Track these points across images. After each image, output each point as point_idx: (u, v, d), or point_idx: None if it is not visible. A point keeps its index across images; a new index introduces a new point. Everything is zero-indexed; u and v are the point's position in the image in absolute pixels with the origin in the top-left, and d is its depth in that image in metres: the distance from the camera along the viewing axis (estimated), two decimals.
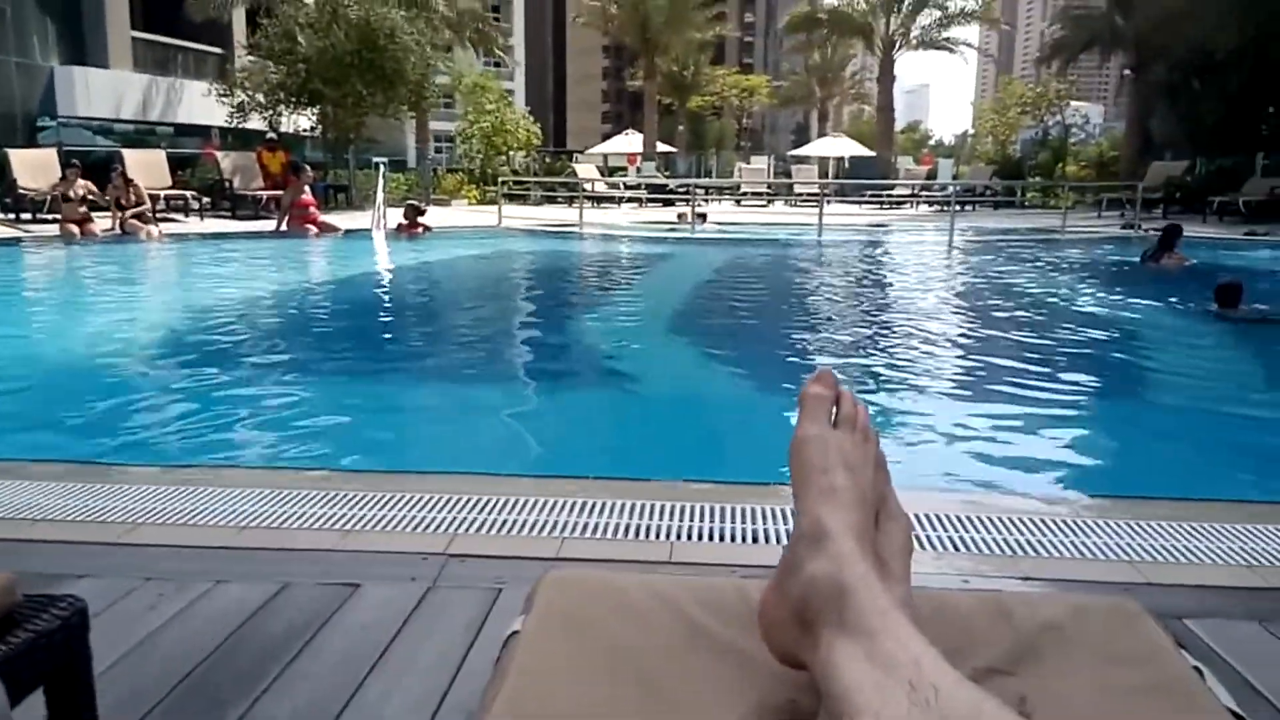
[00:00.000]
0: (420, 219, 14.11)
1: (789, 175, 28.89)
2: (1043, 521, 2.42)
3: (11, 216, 14.03)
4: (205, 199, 16.87)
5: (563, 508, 2.46)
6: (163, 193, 15.78)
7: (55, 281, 9.88)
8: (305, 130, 20.45)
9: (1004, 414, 4.47)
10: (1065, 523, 2.41)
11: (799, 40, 42.59)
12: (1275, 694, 1.62)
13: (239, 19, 24.10)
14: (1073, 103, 38.54)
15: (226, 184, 17.29)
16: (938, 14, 33.61)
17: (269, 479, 2.94)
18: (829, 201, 18.82)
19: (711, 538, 2.32)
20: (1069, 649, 0.71)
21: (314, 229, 14.17)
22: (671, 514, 2.43)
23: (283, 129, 19.35)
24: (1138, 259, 10.36)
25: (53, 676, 1.10)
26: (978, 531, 2.35)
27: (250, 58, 20.35)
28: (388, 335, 6.96)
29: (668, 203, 22.50)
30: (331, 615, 1.88)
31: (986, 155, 40.78)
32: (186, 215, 16.22)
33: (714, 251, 13.83)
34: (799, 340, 6.72)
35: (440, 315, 8.35)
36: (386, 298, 9.20)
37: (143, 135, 22.90)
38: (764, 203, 25.30)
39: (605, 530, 2.34)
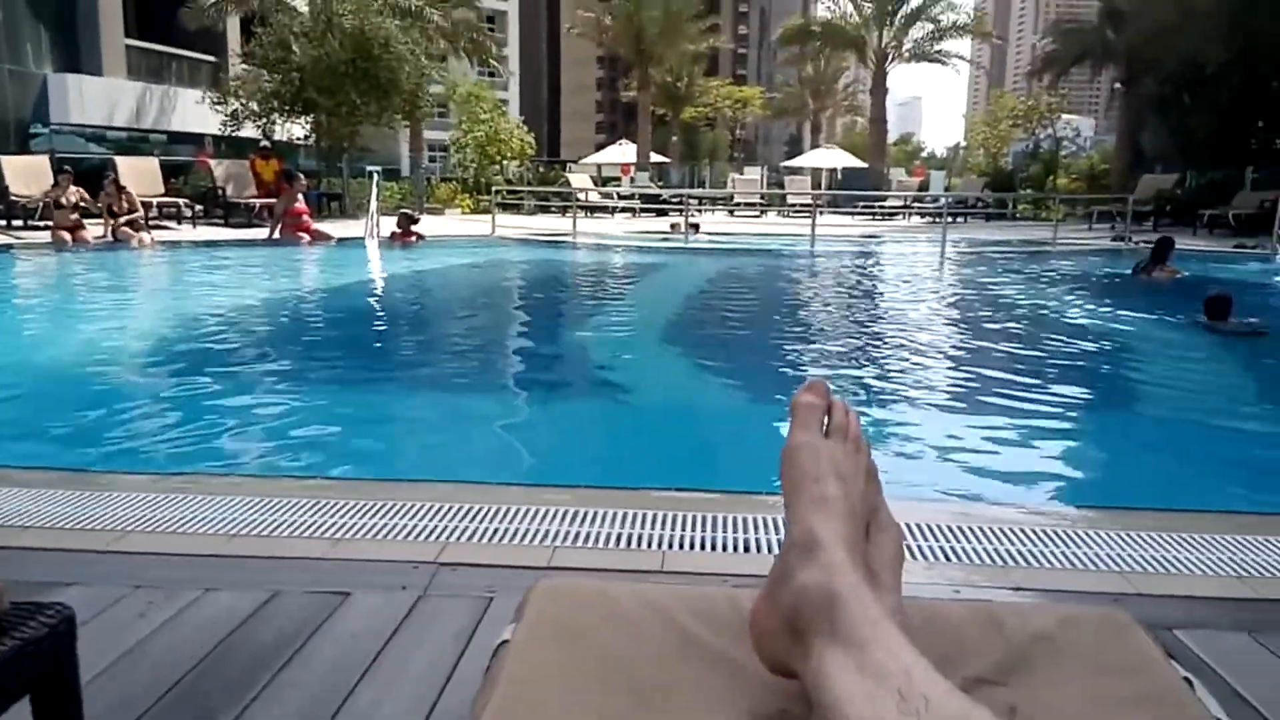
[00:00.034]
0: (413, 228, 14.11)
1: (782, 186, 28.95)
2: (1034, 532, 2.42)
3: (3, 223, 13.98)
4: (198, 207, 16.83)
5: (554, 517, 2.46)
6: (155, 200, 15.74)
7: (46, 289, 9.85)
8: (299, 139, 20.46)
9: (995, 425, 4.48)
10: (1056, 533, 2.41)
11: (792, 52, 42.82)
12: (1265, 704, 1.62)
13: (233, 27, 24.13)
14: (1064, 116, 38.85)
15: (219, 192, 17.26)
16: (930, 27, 33.82)
17: (259, 487, 2.93)
18: (822, 212, 18.89)
19: (703, 547, 2.32)
20: (1059, 659, 0.71)
21: (307, 237, 14.14)
22: (663, 523, 2.43)
23: (276, 137, 19.35)
24: (1129, 271, 10.41)
25: (40, 685, 1.09)
26: (969, 542, 2.35)
27: (244, 66, 20.35)
28: (380, 344, 6.95)
29: (661, 213, 22.51)
30: (322, 624, 1.87)
31: (978, 167, 41.02)
32: (179, 223, 16.18)
33: (707, 262, 13.85)
34: (791, 350, 6.73)
35: (433, 324, 8.34)
36: (379, 306, 9.18)
37: (136, 143, 22.86)
38: (757, 213, 25.35)
39: (597, 539, 2.34)
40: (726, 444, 4.28)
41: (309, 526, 2.39)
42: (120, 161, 16.13)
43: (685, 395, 5.29)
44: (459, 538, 2.34)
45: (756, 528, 2.41)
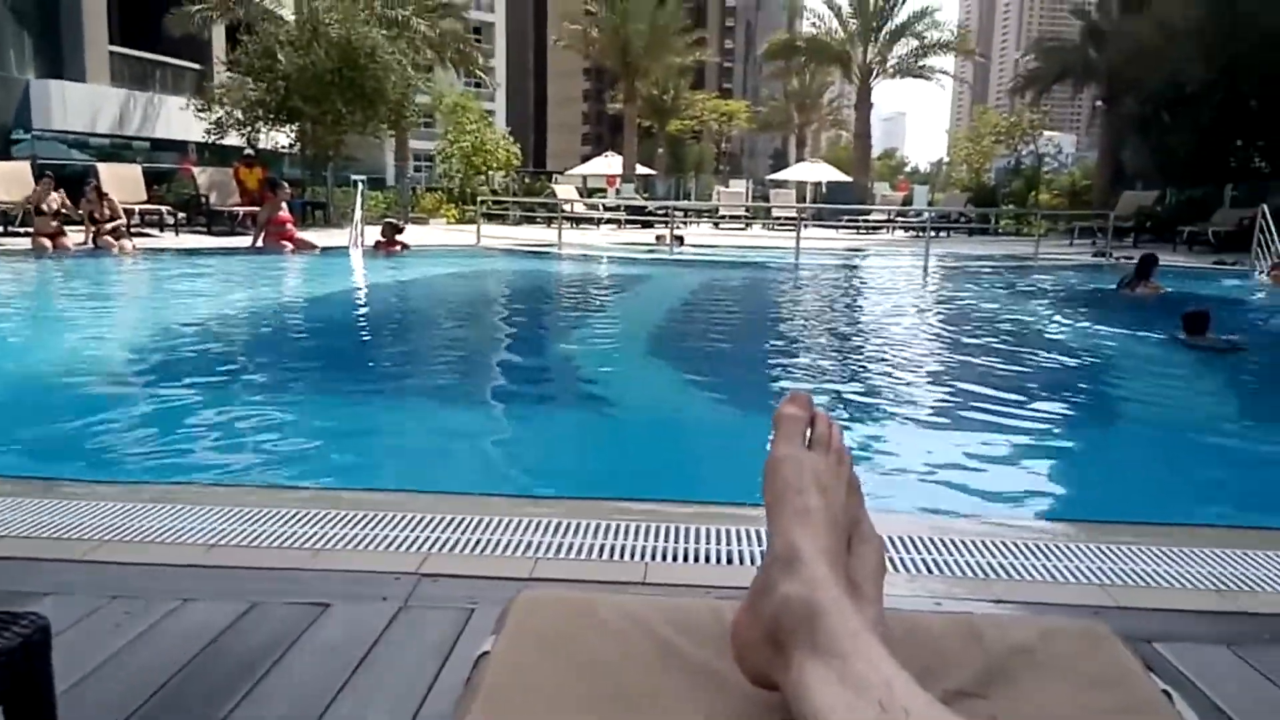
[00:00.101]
0: (398, 237, 14.08)
1: (767, 199, 29.09)
2: (1015, 545, 2.43)
3: None
4: (181, 214, 16.75)
5: (537, 528, 2.45)
6: (138, 207, 15.65)
7: (25, 296, 9.75)
8: (284, 147, 20.41)
9: (978, 438, 4.50)
10: (1037, 547, 2.42)
11: (778, 67, 43.13)
12: (1242, 716, 1.63)
13: (218, 35, 24.08)
14: (1046, 132, 39.18)
15: (203, 200, 17.18)
16: (914, 44, 34.11)
17: (238, 497, 2.90)
18: (806, 226, 18.96)
19: (686, 559, 2.31)
20: (1039, 671, 0.71)
21: (290, 246, 14.09)
22: (646, 535, 2.43)
23: (261, 145, 19.30)
24: (1111, 286, 10.49)
25: (12, 695, 1.08)
26: (950, 554, 2.36)
27: (229, 74, 20.30)
28: (363, 354, 6.92)
29: (646, 224, 22.58)
30: (301, 634, 1.85)
31: (961, 183, 41.30)
32: (161, 230, 16.09)
33: (691, 274, 13.88)
34: (774, 363, 6.74)
35: (416, 334, 8.31)
36: (363, 316, 9.15)
37: (119, 149, 22.75)
38: (742, 226, 25.45)
39: (579, 551, 2.33)
40: (709, 456, 4.28)
41: (288, 537, 2.38)
42: (102, 168, 16.04)
43: (669, 407, 5.29)
44: (440, 548, 2.33)
45: (739, 540, 2.41)
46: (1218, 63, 18.91)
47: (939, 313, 10.14)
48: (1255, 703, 1.70)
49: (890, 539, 2.39)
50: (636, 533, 2.44)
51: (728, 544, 2.39)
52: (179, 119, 21.90)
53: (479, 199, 19.71)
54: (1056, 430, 4.86)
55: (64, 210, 12.70)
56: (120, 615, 1.92)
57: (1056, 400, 5.55)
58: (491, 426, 4.75)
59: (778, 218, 25.14)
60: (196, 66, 25.26)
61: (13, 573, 2.14)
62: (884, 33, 34.30)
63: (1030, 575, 2.25)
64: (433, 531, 2.43)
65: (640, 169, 35.67)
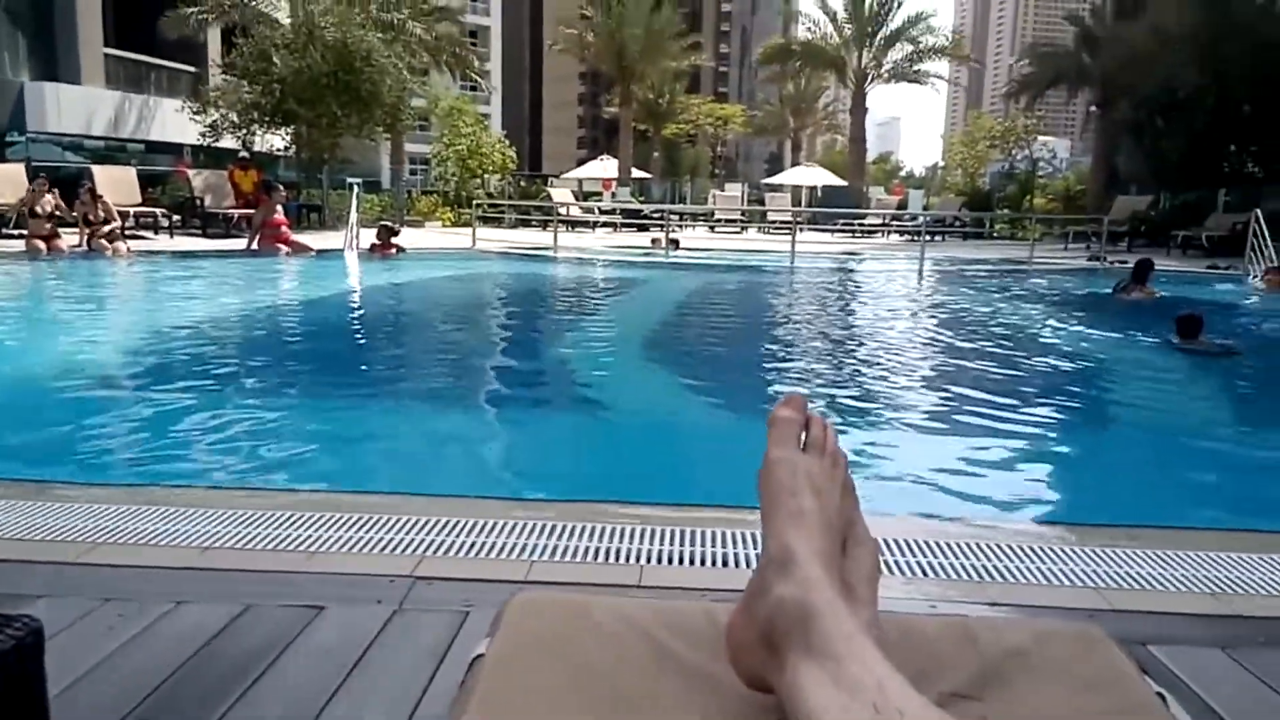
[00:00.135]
0: (393, 240, 14.08)
1: (762, 203, 29.10)
2: (1010, 548, 2.43)
3: None
4: (176, 217, 16.72)
5: (532, 530, 2.45)
6: (132, 210, 15.63)
7: (18, 298, 9.72)
8: (279, 150, 20.40)
9: (973, 442, 4.51)
10: (1032, 549, 2.43)
11: (773, 71, 43.11)
12: (1237, 718, 1.63)
13: (214, 38, 24.06)
14: (1040, 137, 39.25)
15: (198, 202, 17.16)
16: (909, 48, 34.16)
17: (233, 500, 2.90)
18: (801, 229, 19.00)
19: (681, 561, 2.31)
20: (1034, 674, 0.71)
21: (285, 248, 14.08)
22: (641, 538, 2.43)
23: (256, 148, 19.29)
24: (1105, 290, 10.53)
25: (5, 698, 1.07)
26: (946, 557, 2.36)
27: (225, 77, 20.28)
28: (358, 357, 6.91)
29: (642, 228, 22.59)
30: (295, 637, 1.85)
31: (956, 187, 41.36)
32: (156, 233, 16.07)
33: (687, 277, 13.88)
34: (769, 366, 6.75)
35: (411, 337, 8.30)
36: (357, 319, 9.14)
37: (113, 152, 22.72)
38: (737, 230, 25.46)
39: (574, 553, 2.33)
40: (704, 459, 4.28)
41: (283, 539, 2.37)
42: (97, 170, 16.02)
43: (663, 411, 5.29)
44: (435, 551, 2.32)
45: (734, 543, 2.41)
46: (1210, 68, 18.99)
47: (934, 317, 10.15)
48: (1249, 705, 1.70)
49: (885, 542, 2.40)
50: (631, 536, 2.44)
51: (723, 547, 2.39)
52: (174, 122, 21.89)
53: (474, 202, 19.71)
54: (1051, 434, 4.87)
55: (58, 212, 12.67)
56: (114, 618, 1.91)
57: (1051, 404, 5.56)
58: (486, 430, 4.75)
59: (773, 221, 25.18)
60: (192, 69, 25.25)
61: (5, 575, 2.13)
62: (879, 38, 34.32)
63: (1025, 578, 2.25)
64: (427, 534, 2.42)
65: (636, 172, 35.68)
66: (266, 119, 18.83)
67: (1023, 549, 2.43)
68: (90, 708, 1.57)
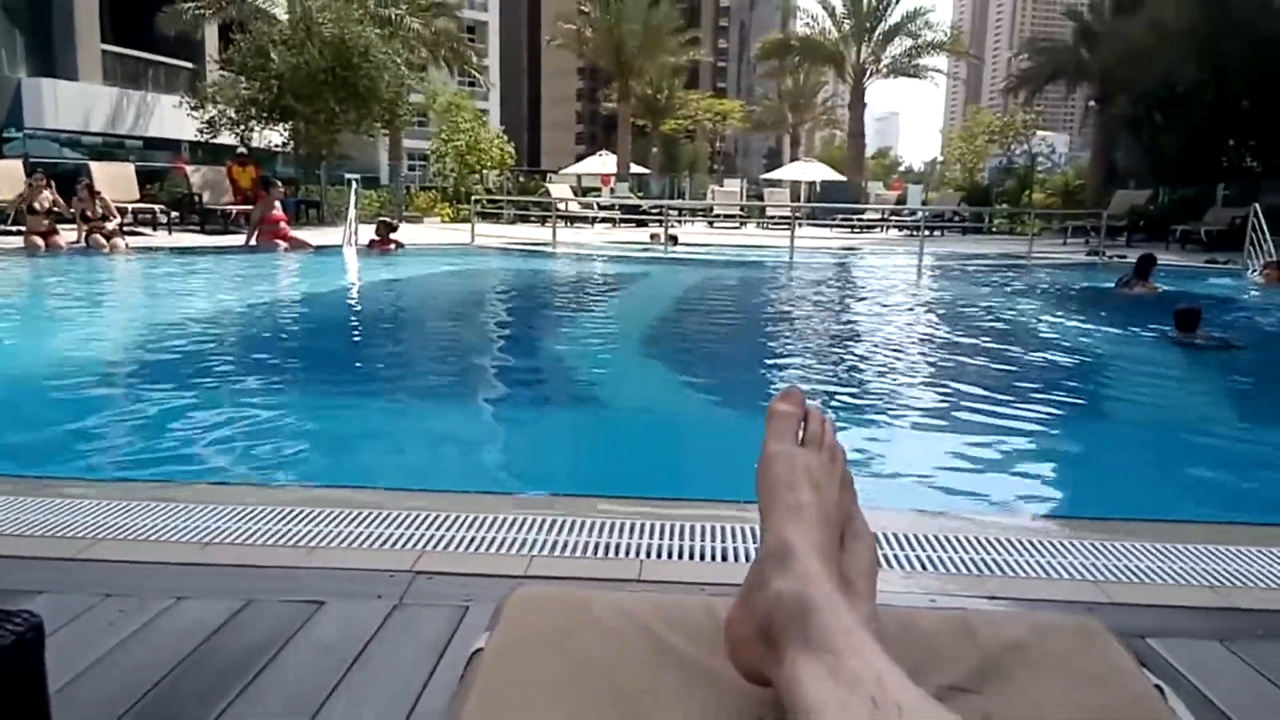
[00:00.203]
0: (392, 236, 14.07)
1: (761, 198, 29.12)
2: (1009, 542, 2.44)
3: None
4: (174, 213, 16.71)
5: (532, 525, 2.45)
6: (130, 206, 15.61)
7: (16, 294, 9.72)
8: (277, 145, 20.37)
9: (972, 436, 4.51)
10: (1031, 543, 2.43)
11: (772, 66, 43.06)
12: (1235, 711, 1.64)
13: (211, 34, 24.01)
14: (1039, 132, 39.28)
15: (196, 198, 17.15)
16: (908, 43, 34.15)
17: (233, 495, 2.90)
18: (800, 225, 18.98)
19: (681, 556, 2.31)
20: (1033, 668, 0.71)
21: (284, 244, 14.07)
22: (641, 532, 2.43)
23: (254, 144, 19.26)
24: (1105, 285, 10.55)
25: (5, 693, 1.07)
26: (945, 551, 2.36)
27: (222, 73, 20.26)
28: (356, 352, 6.91)
29: (640, 223, 22.58)
30: (295, 632, 1.85)
31: (955, 182, 41.42)
32: (154, 229, 16.06)
33: (686, 272, 13.88)
34: (768, 360, 6.75)
35: (410, 333, 8.30)
36: (357, 314, 9.14)
37: (111, 148, 22.69)
38: (736, 225, 25.45)
39: (574, 548, 2.33)
40: (703, 453, 4.28)
41: (283, 535, 2.37)
42: (95, 167, 16.01)
43: (662, 405, 5.29)
44: (435, 546, 2.32)
45: (734, 537, 2.41)
46: (1209, 63, 18.99)
47: (933, 311, 10.16)
48: (1248, 698, 1.71)
49: (885, 536, 2.40)
50: (631, 530, 2.44)
51: (722, 541, 2.39)
52: (172, 118, 21.86)
53: (473, 198, 19.70)
54: (1049, 428, 4.88)
55: (56, 208, 12.66)
56: (114, 613, 1.91)
57: (1050, 398, 5.57)
58: (486, 425, 4.75)
59: (772, 217, 25.18)
60: (189, 65, 25.21)
61: (5, 571, 2.14)
62: (877, 32, 34.31)
63: (1024, 571, 2.26)
64: (427, 529, 2.43)
65: (634, 168, 35.67)
66: (264, 115, 18.81)
67: (1021, 543, 2.43)
68: (91, 703, 1.57)
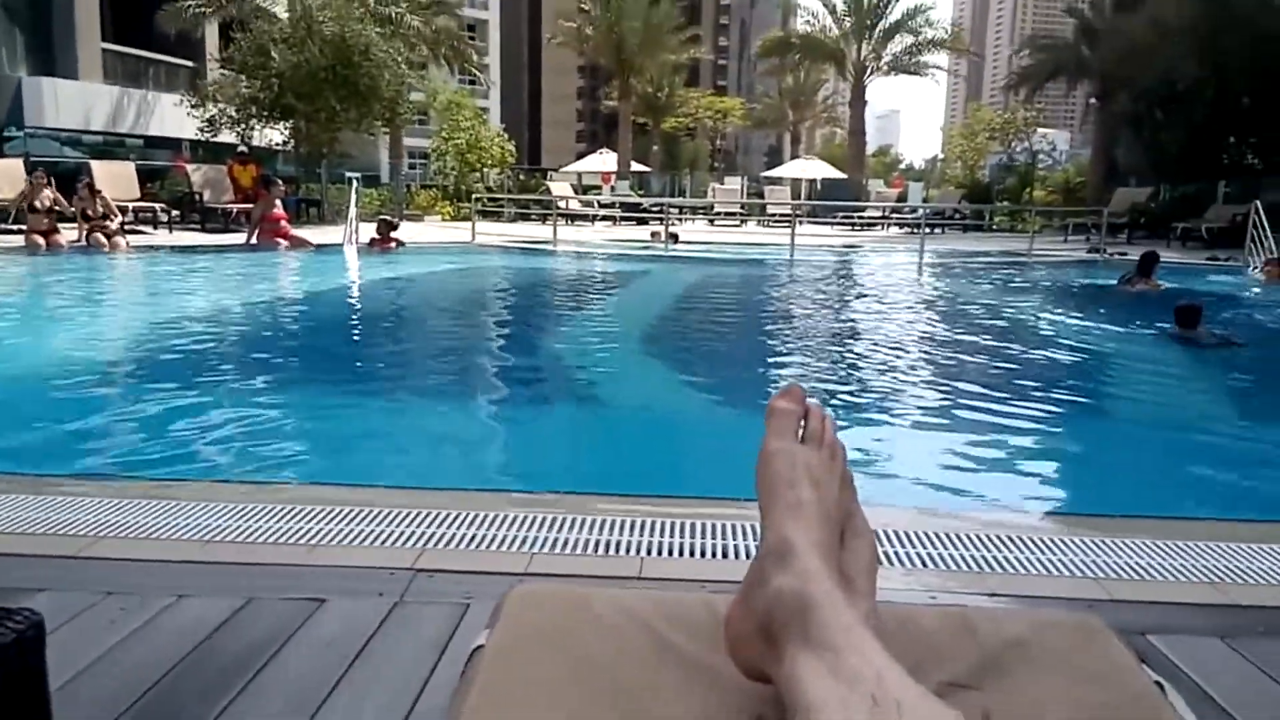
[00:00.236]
0: (393, 234, 14.07)
1: (762, 196, 29.10)
2: (1010, 539, 2.43)
3: None
4: (175, 212, 16.71)
5: (532, 523, 2.45)
6: (131, 205, 15.62)
7: (17, 293, 9.72)
8: (277, 144, 20.37)
9: (973, 433, 4.51)
10: (1032, 540, 2.43)
11: (772, 64, 43.11)
12: (1236, 708, 1.64)
13: (211, 32, 24.01)
14: (1040, 129, 39.24)
15: (197, 197, 17.15)
16: (909, 41, 34.14)
17: (234, 493, 2.90)
18: (801, 222, 18.98)
19: (681, 553, 2.31)
20: (1033, 665, 0.71)
21: (285, 243, 14.07)
22: (642, 530, 2.43)
23: (254, 143, 19.26)
24: (1106, 282, 10.55)
25: (6, 691, 1.07)
26: (946, 548, 2.36)
27: (223, 71, 20.26)
28: (357, 351, 6.92)
29: (641, 221, 22.57)
30: (297, 630, 1.85)
31: (955, 179, 41.38)
32: (155, 228, 16.06)
33: (686, 271, 13.88)
34: (769, 358, 6.75)
35: (411, 331, 8.30)
36: (357, 313, 9.14)
37: (112, 147, 22.69)
38: (737, 223, 25.44)
39: (575, 546, 2.33)
40: (704, 451, 4.28)
41: (284, 533, 2.37)
42: (95, 165, 16.01)
43: (663, 403, 5.29)
44: (436, 544, 2.33)
45: (734, 534, 2.41)
46: (1210, 60, 18.98)
47: (934, 309, 10.15)
48: (1249, 695, 1.71)
49: (885, 533, 2.40)
50: (632, 528, 2.44)
51: (723, 539, 2.39)
52: (172, 116, 21.86)
53: (474, 196, 19.69)
54: (1050, 424, 4.87)
55: (57, 207, 12.67)
56: (115, 611, 1.91)
57: (1051, 396, 5.56)
58: (486, 423, 4.75)
59: (772, 215, 25.17)
60: (190, 64, 25.21)
61: (6, 569, 2.14)
62: (878, 30, 34.31)
63: (1025, 569, 2.25)
64: (428, 527, 2.43)
65: (635, 166, 35.64)
66: (265, 113, 18.81)
67: (1022, 540, 2.43)
68: (92, 701, 1.58)
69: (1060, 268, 14.87)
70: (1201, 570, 2.26)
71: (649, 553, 2.31)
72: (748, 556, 2.28)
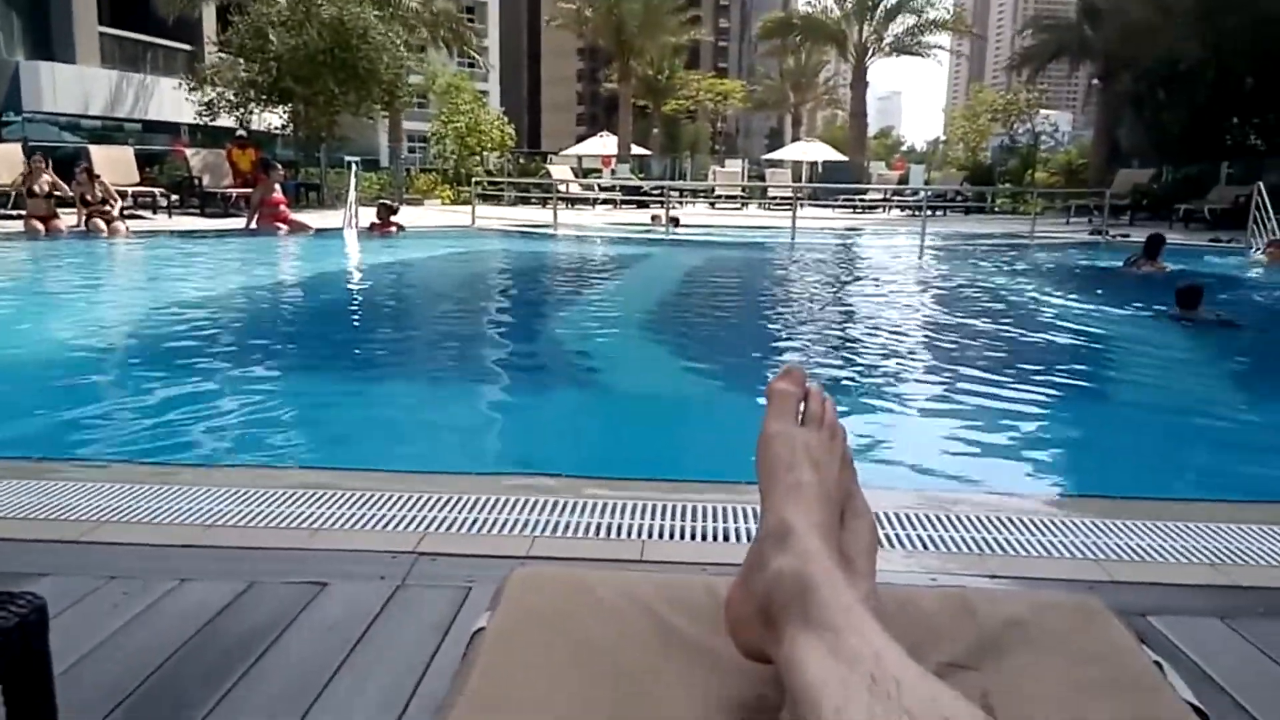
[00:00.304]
0: (393, 218, 14.04)
1: (763, 179, 29.01)
2: (1011, 520, 2.44)
3: None
4: (174, 196, 16.68)
5: (534, 506, 2.46)
6: (130, 189, 15.59)
7: (17, 279, 9.71)
8: (276, 128, 20.30)
9: (974, 415, 4.51)
10: (1033, 522, 2.43)
11: (773, 45, 42.87)
12: (1235, 688, 1.64)
13: (209, 16, 23.88)
14: (1042, 111, 39.04)
15: (196, 181, 17.11)
16: (911, 20, 33.94)
17: (236, 477, 2.91)
18: (802, 205, 18.93)
19: (683, 536, 2.32)
20: (1031, 645, 0.71)
21: (284, 227, 14.05)
22: (643, 513, 2.43)
23: (253, 126, 19.19)
24: (1110, 264, 10.53)
25: (10, 676, 1.08)
26: (947, 530, 2.37)
27: (221, 54, 20.16)
28: (357, 335, 6.91)
29: (642, 205, 22.52)
30: (299, 613, 1.86)
31: (957, 161, 41.23)
32: (154, 212, 16.03)
33: (687, 254, 13.85)
34: (770, 340, 6.75)
35: (411, 315, 8.30)
36: (357, 297, 9.14)
37: (110, 131, 22.62)
38: (738, 206, 25.39)
39: (576, 529, 2.33)
40: (705, 432, 4.29)
41: (286, 517, 2.38)
42: (94, 150, 15.97)
43: (663, 386, 5.29)
44: (438, 527, 2.33)
45: (735, 517, 2.42)
46: (1212, 41, 18.88)
47: (935, 291, 10.14)
48: (1249, 675, 1.71)
49: (886, 515, 2.40)
50: (633, 511, 2.44)
51: (723, 521, 2.40)
52: (171, 101, 21.80)
53: (474, 180, 19.64)
54: (1051, 406, 4.88)
55: (56, 191, 12.64)
56: (118, 596, 1.92)
57: (1052, 377, 5.56)
58: (488, 407, 4.75)
59: (773, 197, 25.11)
60: (188, 47, 25.09)
61: (9, 554, 2.14)
62: (880, 10, 34.11)
63: (1025, 550, 2.26)
64: (430, 511, 2.43)
65: (635, 149, 35.51)
66: (263, 97, 18.73)
67: (1023, 522, 2.43)
68: (95, 685, 1.58)
69: (1062, 250, 14.83)
70: (1201, 551, 2.27)
71: (650, 536, 2.31)
72: (748, 539, 2.28)
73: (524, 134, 49.56)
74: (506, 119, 29.20)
